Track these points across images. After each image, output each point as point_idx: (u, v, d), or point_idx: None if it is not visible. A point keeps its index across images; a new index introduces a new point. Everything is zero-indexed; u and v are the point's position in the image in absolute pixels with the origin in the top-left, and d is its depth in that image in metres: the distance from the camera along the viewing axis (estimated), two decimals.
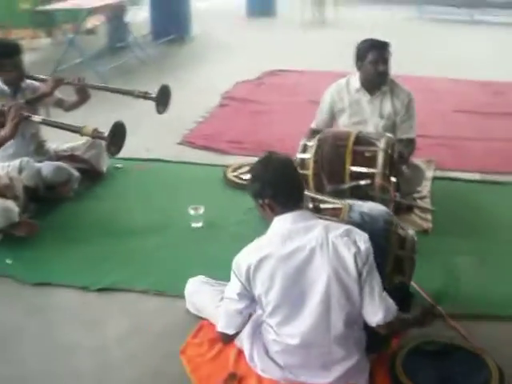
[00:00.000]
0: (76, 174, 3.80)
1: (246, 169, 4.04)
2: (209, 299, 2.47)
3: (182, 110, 5.03)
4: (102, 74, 6.33)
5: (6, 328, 2.57)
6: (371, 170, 3.22)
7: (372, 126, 3.64)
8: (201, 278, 2.64)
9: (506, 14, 10.84)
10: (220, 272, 2.54)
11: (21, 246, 3.17)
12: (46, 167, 3.69)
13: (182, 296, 2.68)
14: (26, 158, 3.58)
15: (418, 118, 3.71)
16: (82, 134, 3.19)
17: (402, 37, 7.85)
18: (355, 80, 3.68)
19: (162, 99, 3.69)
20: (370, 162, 3.22)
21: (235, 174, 4.05)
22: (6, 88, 3.65)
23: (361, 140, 3.30)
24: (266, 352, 2.15)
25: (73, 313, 2.69)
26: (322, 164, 3.26)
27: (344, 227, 2.05)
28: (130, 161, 4.30)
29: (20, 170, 3.57)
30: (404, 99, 3.64)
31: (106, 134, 3.16)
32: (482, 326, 2.53)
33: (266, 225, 3.10)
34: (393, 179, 3.26)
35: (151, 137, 4.78)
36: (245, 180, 3.83)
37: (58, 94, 3.88)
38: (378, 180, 3.20)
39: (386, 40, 3.55)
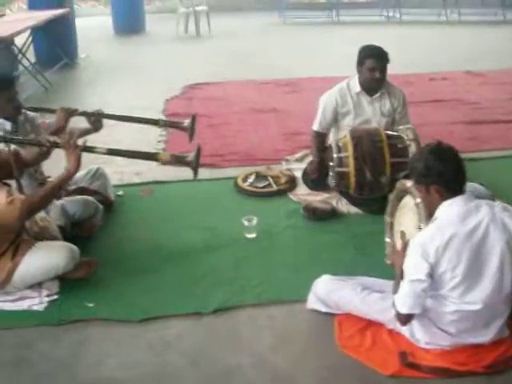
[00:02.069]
0: (100, 206, 3.63)
1: (254, 178, 4.17)
2: (352, 293, 2.62)
3: (137, 131, 4.91)
4: None
5: (148, 371, 2.46)
6: (405, 159, 3.55)
7: (375, 124, 3.94)
8: (327, 277, 2.77)
9: (366, 13, 11.99)
10: (316, 270, 2.88)
11: (87, 287, 3.00)
12: (71, 204, 3.49)
13: (300, 300, 2.79)
14: None
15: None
16: (159, 161, 3.07)
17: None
18: (355, 83, 3.97)
19: (193, 128, 3.65)
20: (404, 152, 3.57)
21: (247, 183, 4.13)
22: (7, 123, 3.38)
23: (389, 135, 3.64)
24: (433, 324, 2.39)
25: (206, 337, 2.65)
26: (364, 159, 3.53)
27: (500, 203, 2.37)
28: (127, 187, 4.18)
29: (47, 211, 3.34)
30: (399, 96, 4.03)
31: (191, 159, 3.07)
32: None
33: (313, 224, 3.58)
34: None
35: (130, 161, 4.64)
36: (261, 188, 3.99)
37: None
38: None
39: (382, 48, 3.84)
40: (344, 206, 3.83)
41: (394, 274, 2.49)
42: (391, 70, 3.95)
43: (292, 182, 4.13)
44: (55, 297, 2.92)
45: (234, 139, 5.09)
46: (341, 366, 2.44)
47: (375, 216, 3.66)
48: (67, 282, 3.00)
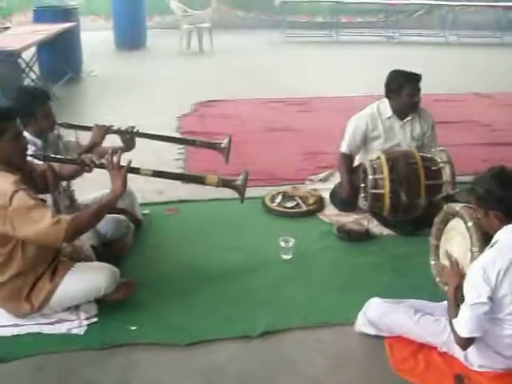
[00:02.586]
0: (132, 225, 3.56)
1: (281, 198, 4.14)
2: (405, 316, 2.60)
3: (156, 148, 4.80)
4: None
5: None
6: (439, 182, 3.55)
7: (406, 148, 3.93)
8: (378, 300, 2.73)
9: (366, 33, 12.10)
10: (358, 292, 2.95)
11: (126, 309, 2.91)
12: (103, 223, 3.37)
13: (346, 323, 2.78)
14: None
15: None
16: (206, 184, 3.00)
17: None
18: (386, 108, 3.97)
19: (229, 147, 3.60)
20: (438, 174, 3.56)
21: (275, 203, 4.09)
22: (37, 141, 3.29)
23: (423, 157, 3.64)
24: (489, 348, 2.39)
25: (256, 360, 2.59)
26: (400, 182, 3.51)
27: None
28: (151, 206, 4.12)
29: None
30: (429, 120, 4.04)
31: (240, 183, 3.01)
32: None
33: (347, 245, 3.57)
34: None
35: (151, 179, 4.56)
36: (289, 208, 3.95)
37: None
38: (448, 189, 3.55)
39: (418, 72, 3.87)
40: (375, 227, 3.80)
41: (437, 296, 2.58)
42: None
43: (320, 203, 4.10)
44: (94, 320, 2.83)
45: (254, 158, 5.05)
46: None
47: (407, 238, 3.66)
48: (105, 304, 2.91)
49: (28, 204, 2.49)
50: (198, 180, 3.09)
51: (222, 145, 3.54)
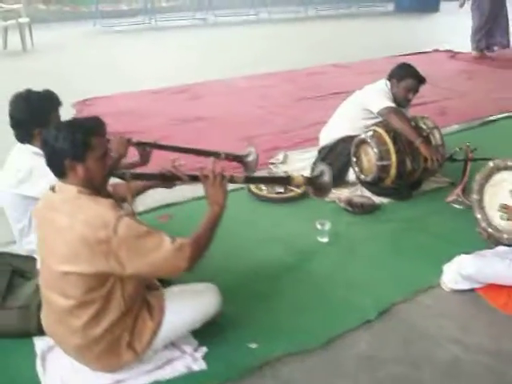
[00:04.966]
0: None
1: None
2: (500, 265, 2.75)
3: None
4: None
5: None
6: (431, 146, 3.81)
7: None
8: (467, 256, 2.85)
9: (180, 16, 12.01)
10: (418, 257, 3.13)
11: (222, 327, 2.61)
12: None
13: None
14: None
15: None
16: (293, 184, 2.76)
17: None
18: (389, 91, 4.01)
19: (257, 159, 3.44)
20: (428, 139, 3.81)
21: (265, 191, 3.97)
22: None
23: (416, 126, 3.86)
24: None
25: (381, 339, 2.56)
26: (405, 150, 3.69)
27: None
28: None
29: None
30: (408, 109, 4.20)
31: (326, 179, 2.76)
32: None
33: (365, 218, 3.66)
34: None
35: None
36: (281, 193, 3.91)
37: None
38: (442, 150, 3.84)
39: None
40: (372, 197, 3.92)
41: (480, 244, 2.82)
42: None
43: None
44: (204, 348, 2.50)
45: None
46: None
47: (407, 201, 3.86)
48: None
49: (138, 231, 2.06)
50: (286, 181, 2.84)
51: (250, 158, 3.34)
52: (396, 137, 3.69)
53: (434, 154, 3.67)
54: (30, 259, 2.84)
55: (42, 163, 2.62)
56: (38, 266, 2.32)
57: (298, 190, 3.92)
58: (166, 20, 11.92)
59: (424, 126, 3.86)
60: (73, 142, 2.08)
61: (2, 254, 2.88)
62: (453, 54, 8.75)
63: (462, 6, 8.51)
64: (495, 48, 8.55)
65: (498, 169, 3.10)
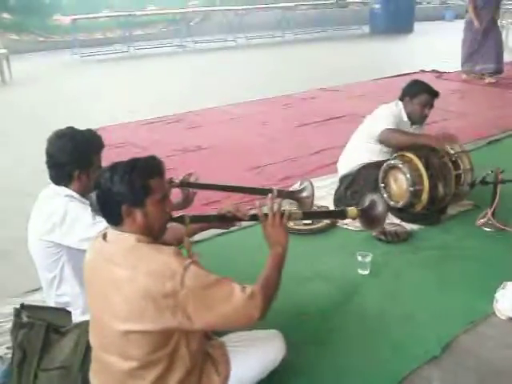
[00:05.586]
0: None
1: None
2: None
3: None
4: None
5: None
6: (460, 171, 3.73)
7: None
8: None
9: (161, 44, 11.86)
10: (465, 285, 3.05)
11: (291, 375, 2.43)
12: None
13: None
14: None
15: None
16: (348, 217, 2.56)
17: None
18: (401, 111, 3.93)
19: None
20: (457, 164, 3.73)
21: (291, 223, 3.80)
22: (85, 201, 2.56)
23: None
24: None
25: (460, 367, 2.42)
26: (437, 175, 3.59)
27: None
28: None
29: None
30: (424, 126, 4.14)
31: (380, 211, 2.55)
32: None
33: (401, 247, 3.52)
34: None
35: None
36: (308, 225, 3.76)
37: None
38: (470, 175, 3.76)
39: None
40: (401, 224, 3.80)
41: None
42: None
43: None
44: None
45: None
46: None
47: (436, 227, 3.75)
48: None
49: (207, 280, 1.86)
50: (341, 215, 2.63)
51: (305, 193, 3.12)
52: (428, 162, 3.58)
53: (445, 144, 3.63)
54: (63, 312, 2.60)
55: (77, 207, 2.43)
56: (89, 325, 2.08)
57: (327, 221, 3.78)
58: (144, 48, 11.75)
59: (451, 151, 3.77)
60: (131, 186, 1.87)
61: (31, 307, 2.60)
62: (438, 75, 8.79)
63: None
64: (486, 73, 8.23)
65: None
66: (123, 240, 1.90)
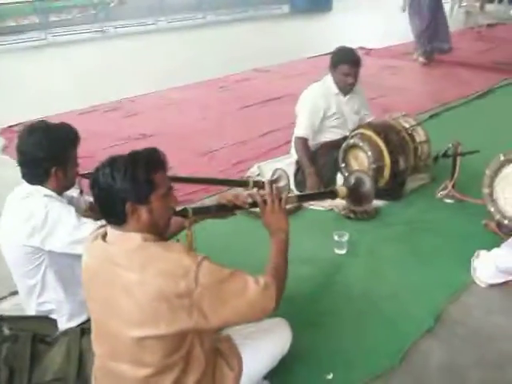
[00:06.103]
0: None
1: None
2: None
3: None
4: None
5: None
6: (417, 144, 3.82)
7: (351, 123, 4.02)
8: (501, 250, 2.87)
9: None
10: (443, 258, 3.12)
11: (297, 361, 2.41)
12: None
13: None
14: None
15: None
16: (339, 197, 2.53)
17: None
18: (331, 84, 3.93)
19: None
20: (414, 137, 3.83)
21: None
22: (62, 199, 2.39)
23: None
24: None
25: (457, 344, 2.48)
26: (398, 150, 3.65)
27: None
28: None
29: None
30: (361, 92, 4.16)
31: (368, 188, 2.54)
32: None
33: (369, 224, 3.57)
34: None
35: None
36: None
37: None
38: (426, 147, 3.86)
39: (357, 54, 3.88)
40: None
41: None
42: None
43: None
44: None
45: None
46: None
47: (399, 201, 3.83)
48: None
49: (221, 276, 1.77)
50: (332, 194, 2.59)
51: (282, 183, 2.95)
52: (387, 137, 3.62)
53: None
54: (46, 320, 2.45)
55: (59, 208, 2.27)
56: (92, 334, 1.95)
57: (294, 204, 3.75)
58: (62, 34, 11.19)
59: (406, 124, 3.84)
60: (135, 181, 1.76)
61: (11, 318, 2.41)
62: (366, 51, 8.93)
63: (404, 10, 7.94)
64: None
65: (509, 161, 3.13)
66: (127, 240, 1.78)
